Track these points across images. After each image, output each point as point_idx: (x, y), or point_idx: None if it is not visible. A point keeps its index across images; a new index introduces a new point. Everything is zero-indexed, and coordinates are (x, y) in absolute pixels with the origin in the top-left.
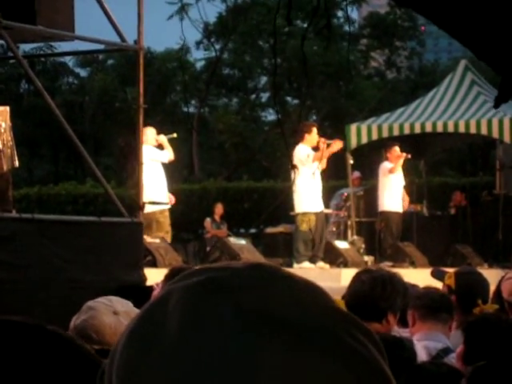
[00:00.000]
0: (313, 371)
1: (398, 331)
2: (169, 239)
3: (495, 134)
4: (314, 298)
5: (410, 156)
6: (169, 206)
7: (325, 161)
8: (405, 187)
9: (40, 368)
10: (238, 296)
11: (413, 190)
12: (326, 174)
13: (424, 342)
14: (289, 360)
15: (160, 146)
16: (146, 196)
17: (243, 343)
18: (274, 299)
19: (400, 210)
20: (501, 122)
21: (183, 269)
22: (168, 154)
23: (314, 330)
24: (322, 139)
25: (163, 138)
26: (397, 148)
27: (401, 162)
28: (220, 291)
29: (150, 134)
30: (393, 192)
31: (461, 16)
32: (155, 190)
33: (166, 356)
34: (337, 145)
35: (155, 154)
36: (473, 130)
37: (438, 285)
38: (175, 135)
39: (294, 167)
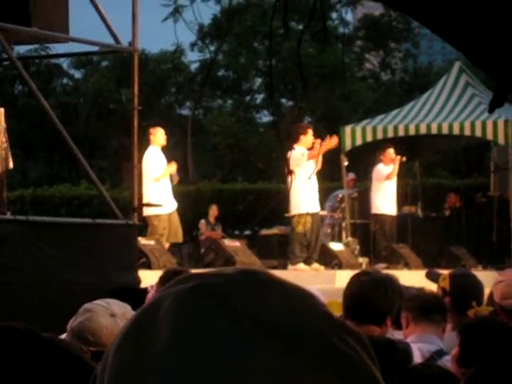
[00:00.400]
0: (306, 376)
1: (393, 333)
2: (163, 243)
3: (489, 136)
4: (305, 304)
5: (404, 159)
6: (167, 211)
7: (320, 160)
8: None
9: (33, 376)
10: (232, 302)
11: (407, 192)
12: (320, 176)
13: (417, 345)
14: (282, 365)
15: (164, 150)
16: (146, 198)
17: (237, 349)
18: (266, 305)
19: (394, 212)
20: (495, 124)
21: (178, 271)
22: (158, 175)
23: (306, 336)
24: (318, 140)
25: (173, 167)
26: (391, 150)
27: (397, 167)
28: (213, 297)
29: (159, 135)
30: (386, 195)
31: (454, 20)
32: (154, 192)
33: (158, 361)
34: (333, 140)
35: (152, 163)
36: (467, 132)
37: (433, 287)
38: (175, 182)
39: (290, 172)
